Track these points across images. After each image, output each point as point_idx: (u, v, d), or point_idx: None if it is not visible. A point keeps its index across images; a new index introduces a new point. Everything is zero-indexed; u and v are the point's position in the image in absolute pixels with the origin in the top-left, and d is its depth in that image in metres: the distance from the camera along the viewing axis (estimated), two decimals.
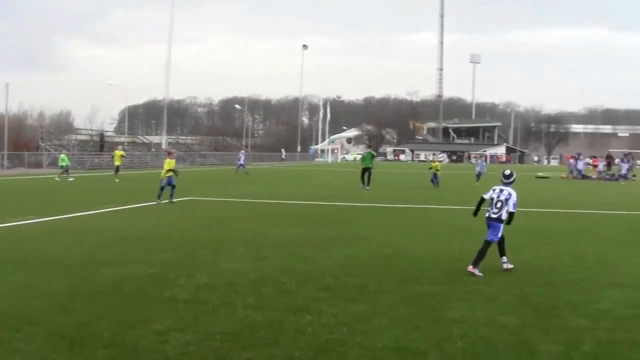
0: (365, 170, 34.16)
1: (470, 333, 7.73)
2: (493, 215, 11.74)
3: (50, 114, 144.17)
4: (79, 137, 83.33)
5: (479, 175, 43.04)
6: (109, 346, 7.01)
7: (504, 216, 11.67)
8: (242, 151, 64.88)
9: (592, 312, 8.91)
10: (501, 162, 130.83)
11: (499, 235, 11.70)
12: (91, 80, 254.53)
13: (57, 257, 12.58)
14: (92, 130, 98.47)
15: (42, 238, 15.27)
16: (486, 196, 11.96)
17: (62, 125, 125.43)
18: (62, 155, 43.30)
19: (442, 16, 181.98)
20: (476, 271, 11.24)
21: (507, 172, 12.29)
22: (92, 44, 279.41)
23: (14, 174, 51.06)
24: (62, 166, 42.22)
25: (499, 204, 11.69)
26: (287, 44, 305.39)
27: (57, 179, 39.57)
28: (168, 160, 25.10)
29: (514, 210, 11.66)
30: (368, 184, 33.65)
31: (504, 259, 11.76)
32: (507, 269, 11.62)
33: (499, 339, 7.57)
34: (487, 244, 11.66)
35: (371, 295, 9.65)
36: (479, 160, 48.81)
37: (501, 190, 11.82)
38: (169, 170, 24.67)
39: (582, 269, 12.14)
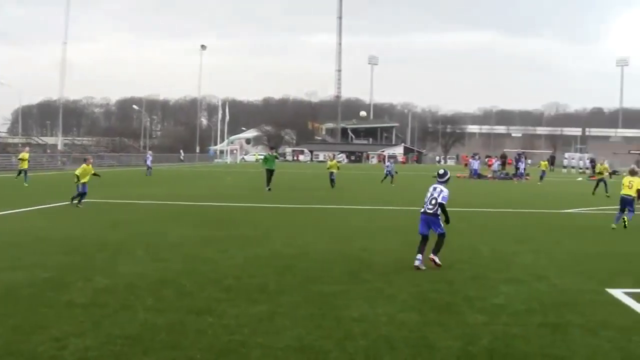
0: (269, 172, 34.30)
1: (371, 331, 7.83)
2: (429, 211, 12.44)
3: None
4: None
5: (388, 175, 43.76)
6: (4, 355, 6.82)
7: (440, 211, 12.33)
8: (150, 152, 64.28)
9: (489, 307, 9.16)
10: (404, 163, 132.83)
11: (442, 226, 12.35)
12: None
13: None
14: None
15: None
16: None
17: None
18: None
19: (340, 18, 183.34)
20: (436, 259, 12.14)
21: (442, 171, 13.11)
22: None
23: None
24: None
25: (433, 201, 12.41)
26: (185, 44, 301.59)
27: None
28: (84, 166, 24.30)
29: (443, 202, 12.32)
30: (268, 185, 33.73)
31: (420, 257, 12.09)
32: (418, 268, 11.92)
33: (400, 336, 7.69)
34: (441, 236, 12.32)
35: (272, 295, 9.67)
36: (388, 163, 49.43)
37: (434, 188, 12.62)
38: (88, 174, 24.12)
39: (479, 266, 12.46)
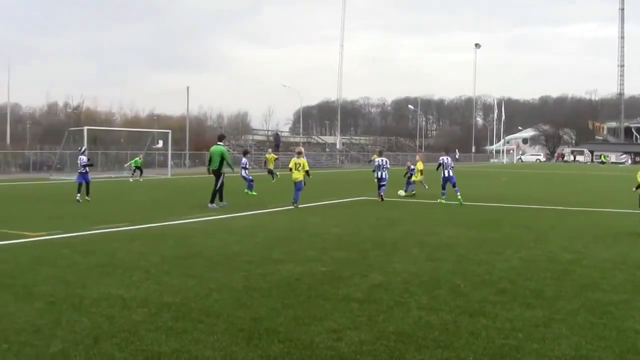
0: None
1: None
2: None
3: (227, 115, 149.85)
4: (256, 137, 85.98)
5: None
6: (285, 341, 7.14)
7: None
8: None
9: None
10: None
11: None
12: (259, 80, 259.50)
13: (235, 252, 13.03)
14: (268, 130, 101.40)
15: (223, 234, 15.84)
16: None
17: (240, 126, 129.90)
18: (136, 158, 44.06)
19: (622, 9, 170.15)
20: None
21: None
22: (253, 44, 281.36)
23: (195, 172, 53.21)
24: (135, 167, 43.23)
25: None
26: (443, 41, 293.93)
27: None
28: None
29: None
30: None
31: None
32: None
33: None
34: None
35: (549, 300, 9.35)
36: None
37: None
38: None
39: None
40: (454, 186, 26.34)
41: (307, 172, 24.26)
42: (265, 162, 43.59)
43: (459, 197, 25.87)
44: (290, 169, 24.48)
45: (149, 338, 7.17)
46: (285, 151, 71.76)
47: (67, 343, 6.95)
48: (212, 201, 22.68)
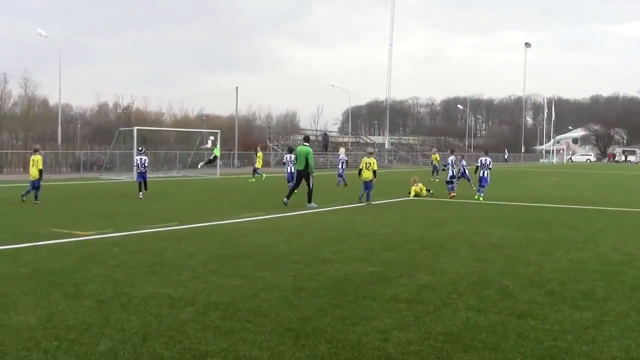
0: None
1: None
2: None
3: (276, 115, 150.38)
4: None
5: None
6: (332, 341, 7.14)
7: None
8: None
9: None
10: None
11: None
12: (308, 80, 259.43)
13: (283, 252, 13.08)
14: (317, 130, 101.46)
15: (271, 234, 15.89)
16: None
17: (288, 126, 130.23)
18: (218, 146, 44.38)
19: None
20: None
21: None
22: (303, 44, 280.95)
23: (243, 172, 53.47)
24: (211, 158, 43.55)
25: None
26: (490, 39, 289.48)
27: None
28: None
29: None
30: None
31: None
32: None
33: None
34: None
35: (599, 302, 9.22)
36: None
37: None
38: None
39: None
40: (482, 187, 27.83)
41: (374, 172, 24.99)
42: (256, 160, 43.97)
43: (482, 196, 27.52)
44: (360, 170, 25.50)
45: (197, 337, 7.23)
46: (334, 151, 71.67)
47: (116, 341, 7.04)
48: (309, 200, 23.15)
